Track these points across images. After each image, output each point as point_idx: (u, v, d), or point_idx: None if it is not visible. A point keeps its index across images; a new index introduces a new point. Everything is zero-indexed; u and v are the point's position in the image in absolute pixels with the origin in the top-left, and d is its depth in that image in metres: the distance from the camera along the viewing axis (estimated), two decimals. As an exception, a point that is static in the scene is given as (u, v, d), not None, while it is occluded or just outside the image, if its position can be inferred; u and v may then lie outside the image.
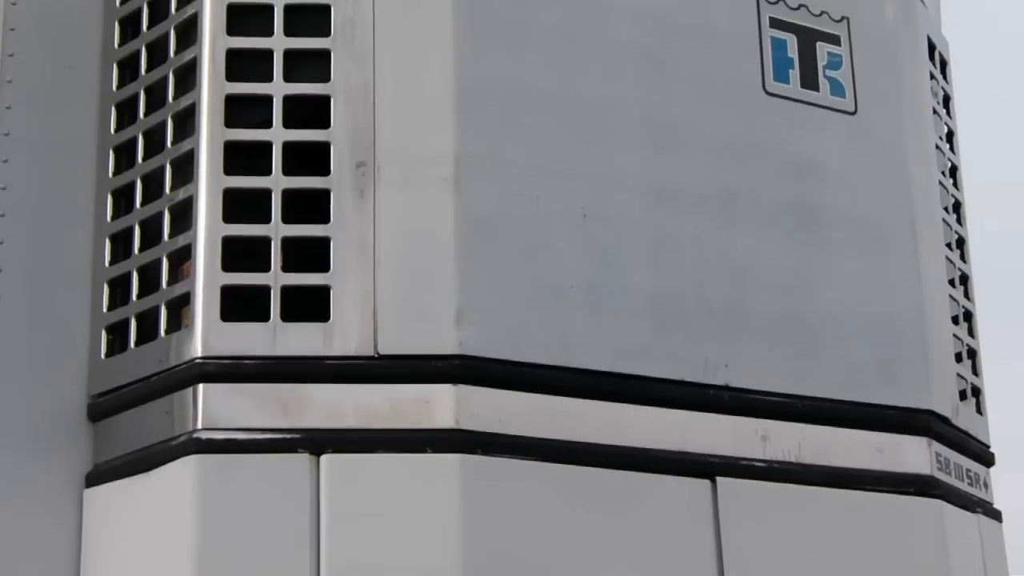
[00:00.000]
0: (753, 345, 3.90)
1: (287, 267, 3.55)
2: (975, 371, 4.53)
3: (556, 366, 3.63)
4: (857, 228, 4.14)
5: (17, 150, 3.85)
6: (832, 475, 3.93)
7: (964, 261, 4.64)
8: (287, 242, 3.56)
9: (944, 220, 4.51)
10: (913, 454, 4.05)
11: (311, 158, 3.61)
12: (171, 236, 3.65)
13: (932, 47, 4.68)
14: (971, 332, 4.57)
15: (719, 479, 3.77)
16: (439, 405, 3.50)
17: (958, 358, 4.40)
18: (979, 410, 4.51)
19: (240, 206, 3.58)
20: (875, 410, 4.02)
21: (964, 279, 4.62)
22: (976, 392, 4.51)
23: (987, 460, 4.50)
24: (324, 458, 3.46)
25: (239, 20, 3.69)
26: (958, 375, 4.36)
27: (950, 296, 4.44)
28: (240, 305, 3.53)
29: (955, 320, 4.46)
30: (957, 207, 4.69)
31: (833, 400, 3.97)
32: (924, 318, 4.18)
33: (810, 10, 4.22)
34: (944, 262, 4.42)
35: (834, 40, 4.23)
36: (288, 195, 3.59)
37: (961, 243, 4.65)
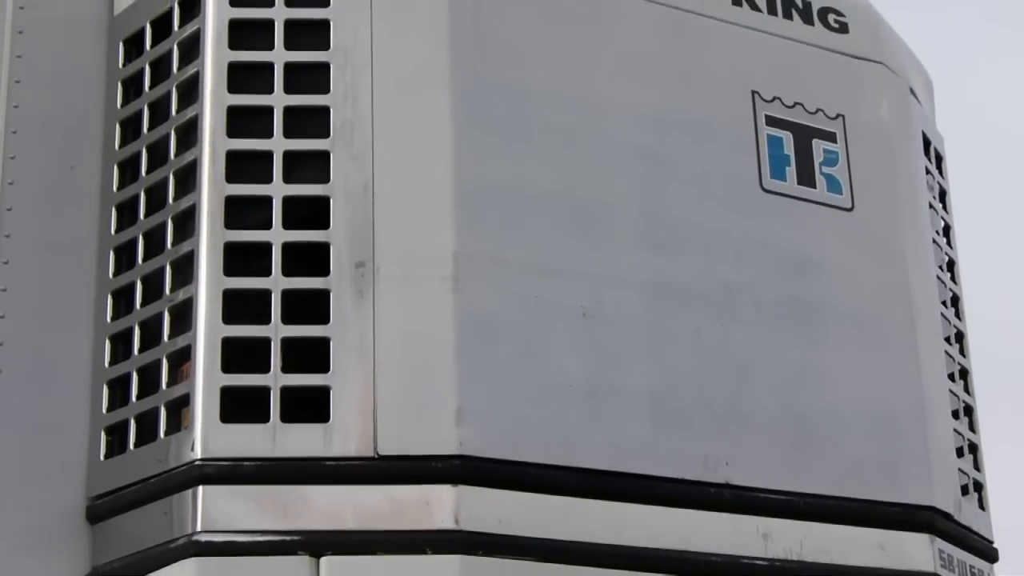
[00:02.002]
0: (753, 442, 3.89)
1: (287, 368, 3.55)
2: (976, 466, 4.52)
3: (556, 465, 3.62)
4: (856, 323, 4.14)
5: (18, 251, 3.86)
6: (835, 573, 3.90)
7: (963, 355, 4.64)
8: (287, 343, 3.56)
9: (943, 314, 4.51)
10: (916, 551, 4.04)
11: (310, 258, 3.62)
12: (171, 337, 3.65)
13: (927, 142, 4.71)
14: (972, 426, 4.56)
15: (721, 578, 3.75)
16: (439, 505, 3.48)
17: (959, 453, 4.39)
18: (981, 505, 4.49)
19: (240, 307, 3.58)
20: (877, 507, 4.01)
21: (964, 373, 4.61)
22: (978, 487, 4.50)
23: (990, 556, 4.47)
24: (324, 560, 3.44)
25: (239, 121, 3.71)
26: (960, 470, 4.35)
27: (950, 391, 4.43)
28: (240, 406, 3.52)
29: (955, 415, 4.46)
30: (955, 301, 4.70)
31: (834, 497, 3.96)
32: (924, 413, 4.18)
33: (806, 108, 4.25)
34: (943, 356, 4.42)
35: (830, 137, 4.26)
36: (287, 296, 3.59)
37: (960, 337, 4.66)
